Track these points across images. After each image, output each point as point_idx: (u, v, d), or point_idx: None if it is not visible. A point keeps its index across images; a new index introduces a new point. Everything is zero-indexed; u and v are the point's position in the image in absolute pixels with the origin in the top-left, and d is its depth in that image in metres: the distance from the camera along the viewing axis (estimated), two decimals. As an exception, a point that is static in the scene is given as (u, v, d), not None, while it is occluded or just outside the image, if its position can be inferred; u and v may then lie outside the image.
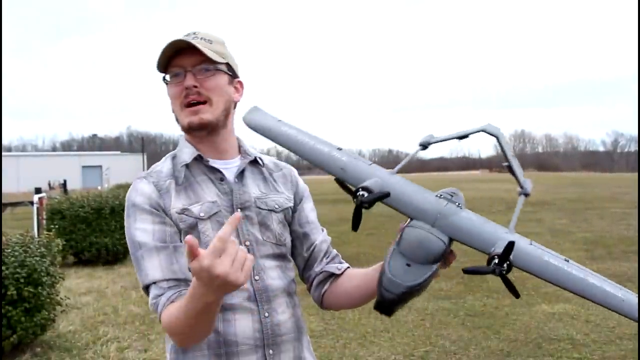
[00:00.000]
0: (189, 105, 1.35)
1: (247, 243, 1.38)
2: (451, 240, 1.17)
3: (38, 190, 11.12)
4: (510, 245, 1.06)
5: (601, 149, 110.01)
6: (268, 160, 1.53)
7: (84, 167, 62.94)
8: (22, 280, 4.46)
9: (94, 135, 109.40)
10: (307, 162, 1.41)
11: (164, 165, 1.43)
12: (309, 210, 1.54)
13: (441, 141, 1.33)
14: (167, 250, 1.30)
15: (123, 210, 1.40)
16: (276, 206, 1.45)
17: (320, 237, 1.53)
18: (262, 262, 1.39)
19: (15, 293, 4.42)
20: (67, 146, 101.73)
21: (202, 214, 1.34)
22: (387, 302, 1.10)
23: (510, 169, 1.25)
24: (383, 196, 1.20)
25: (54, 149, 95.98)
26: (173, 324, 1.22)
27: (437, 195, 1.24)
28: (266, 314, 1.36)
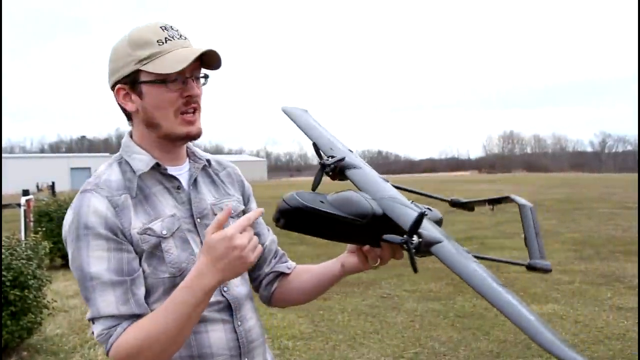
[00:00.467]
0: (184, 112, 1.27)
1: None
2: (386, 217, 1.17)
3: (25, 192, 11.07)
4: (419, 218, 1.08)
5: (589, 149, 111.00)
6: (211, 159, 1.47)
7: (72, 168, 62.53)
8: (8, 284, 4.42)
9: (83, 137, 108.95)
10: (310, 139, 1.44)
11: (110, 172, 1.29)
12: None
13: (469, 202, 1.38)
14: (124, 285, 1.20)
15: None
16: (232, 211, 1.38)
17: (270, 237, 1.54)
18: None
19: (1, 296, 4.37)
20: (55, 148, 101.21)
21: (164, 232, 1.26)
22: (279, 210, 1.12)
23: (525, 242, 1.23)
24: (340, 160, 1.30)
25: (42, 151, 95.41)
26: (141, 341, 1.15)
27: (410, 201, 1.26)
28: (239, 323, 1.34)
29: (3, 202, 20.63)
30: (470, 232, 12.04)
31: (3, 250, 4.61)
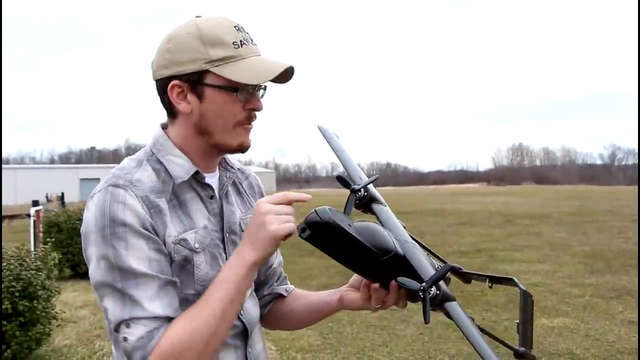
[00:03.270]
0: (242, 124, 1.17)
1: None
2: (404, 261, 1.12)
3: (35, 203, 11.12)
4: (447, 270, 1.06)
5: (599, 162, 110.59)
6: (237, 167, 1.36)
7: (82, 179, 62.84)
8: (17, 294, 4.43)
9: (92, 148, 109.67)
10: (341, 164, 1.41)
11: (142, 173, 1.15)
12: None
13: (469, 273, 1.33)
14: (169, 286, 1.10)
15: None
16: None
17: (278, 258, 1.46)
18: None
19: (10, 307, 4.38)
20: (65, 159, 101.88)
21: (197, 245, 1.16)
22: (308, 221, 1.07)
23: (518, 328, 1.15)
24: (373, 180, 1.26)
25: (52, 162, 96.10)
26: (189, 332, 1.06)
27: (427, 253, 1.22)
28: (249, 349, 1.27)
29: (13, 213, 20.82)
30: (480, 245, 11.96)
31: (12, 261, 4.63)
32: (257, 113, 1.19)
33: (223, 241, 1.23)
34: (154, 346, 1.04)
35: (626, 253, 10.33)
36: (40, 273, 4.73)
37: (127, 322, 1.06)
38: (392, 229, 1.19)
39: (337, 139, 1.47)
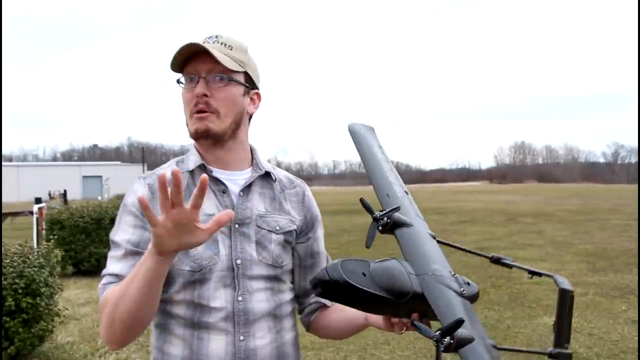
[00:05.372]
0: (198, 112, 1.31)
1: (238, 262, 1.31)
2: (423, 297, 1.14)
3: (38, 200, 11.17)
4: (459, 322, 1.04)
5: (601, 160, 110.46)
6: (283, 175, 1.47)
7: (84, 177, 63.02)
8: (20, 291, 4.44)
9: (95, 146, 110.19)
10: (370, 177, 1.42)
11: (168, 169, 1.34)
12: (321, 238, 1.51)
13: (510, 264, 1.39)
14: (136, 255, 1.26)
15: None
16: (277, 227, 1.38)
17: None
18: (250, 283, 1.32)
19: (14, 304, 4.39)
20: (67, 156, 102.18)
21: None
22: (318, 279, 1.09)
23: (554, 326, 1.15)
24: (394, 210, 1.28)
25: (54, 159, 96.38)
26: (117, 293, 1.20)
27: (451, 272, 1.23)
28: (241, 338, 1.29)
29: (16, 210, 20.84)
30: (483, 243, 11.95)
31: (16, 258, 4.64)
32: (214, 102, 1.31)
33: (230, 230, 1.33)
34: (102, 295, 1.26)
35: (629, 251, 10.31)
36: (43, 270, 4.74)
37: (103, 275, 1.31)
38: (413, 259, 1.19)
39: (369, 138, 1.49)
